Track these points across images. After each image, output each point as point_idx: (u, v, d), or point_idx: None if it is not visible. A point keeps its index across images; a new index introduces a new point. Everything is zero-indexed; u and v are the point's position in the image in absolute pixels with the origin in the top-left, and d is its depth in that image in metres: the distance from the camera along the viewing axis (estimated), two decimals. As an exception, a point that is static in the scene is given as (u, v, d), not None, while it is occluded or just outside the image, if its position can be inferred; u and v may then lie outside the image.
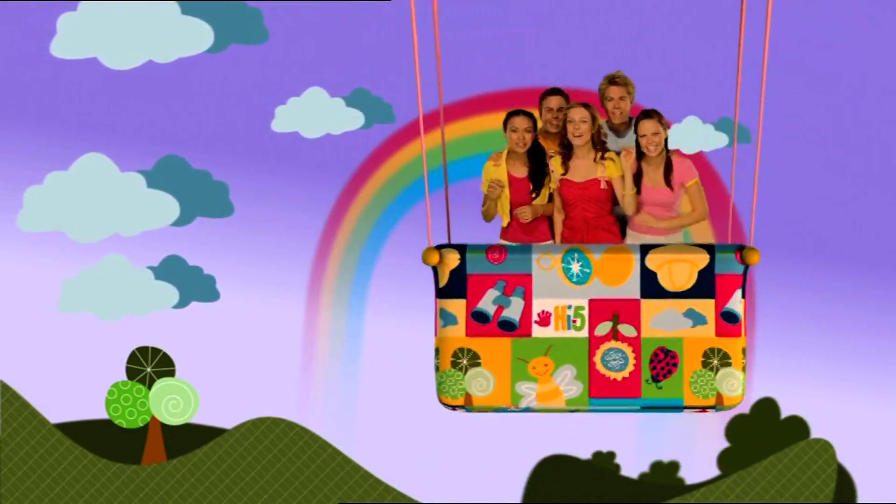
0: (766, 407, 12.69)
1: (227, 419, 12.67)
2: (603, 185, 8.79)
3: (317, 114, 12.20)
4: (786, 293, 12.65)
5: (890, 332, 12.59)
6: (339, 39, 12.33)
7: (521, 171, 9.02)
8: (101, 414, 12.51)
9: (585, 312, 8.08)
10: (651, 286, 8.10)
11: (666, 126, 8.87)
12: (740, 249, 8.13)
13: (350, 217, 12.51)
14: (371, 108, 12.38)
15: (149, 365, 12.46)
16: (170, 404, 12.43)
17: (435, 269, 8.19)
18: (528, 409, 8.14)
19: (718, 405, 8.05)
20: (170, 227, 12.07)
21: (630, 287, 8.10)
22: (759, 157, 8.71)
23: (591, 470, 12.68)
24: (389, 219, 12.66)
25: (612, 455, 12.74)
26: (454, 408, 8.16)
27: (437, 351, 8.20)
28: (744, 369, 8.08)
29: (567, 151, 8.86)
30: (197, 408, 12.49)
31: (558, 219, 8.92)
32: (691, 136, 12.31)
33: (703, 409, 8.14)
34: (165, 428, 12.52)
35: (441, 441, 12.55)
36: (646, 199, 8.81)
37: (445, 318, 8.17)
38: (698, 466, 12.71)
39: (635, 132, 8.91)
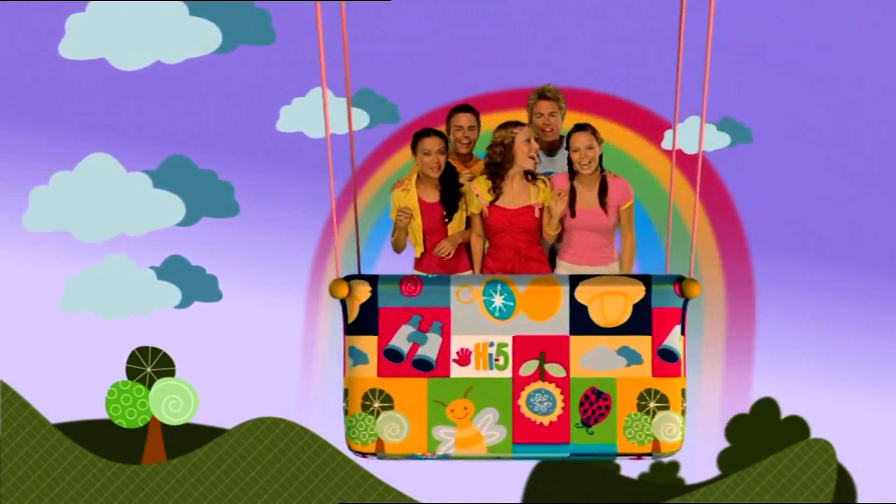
0: (766, 407, 12.69)
1: (227, 419, 12.67)
2: (536, 213, 8.14)
3: (321, 114, 12.16)
4: (786, 293, 12.65)
5: (890, 332, 12.59)
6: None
7: (433, 196, 8.37)
8: (101, 414, 12.51)
9: (509, 350, 7.40)
10: (581, 321, 7.40)
11: (601, 141, 8.24)
12: (679, 281, 7.50)
13: (350, 217, 12.52)
14: (376, 108, 12.36)
15: (149, 365, 12.46)
16: (170, 404, 12.43)
17: (343, 302, 7.56)
18: (445, 457, 7.49)
19: (655, 452, 7.38)
20: (174, 228, 12.08)
21: (558, 322, 7.41)
22: (700, 170, 8.07)
23: (591, 470, 12.68)
24: (389, 218, 12.68)
25: (612, 455, 12.74)
26: (364, 455, 7.52)
27: (345, 392, 7.58)
28: (683, 413, 7.40)
29: (496, 174, 8.16)
30: (197, 408, 12.49)
31: (478, 245, 8.27)
32: (693, 136, 12.28)
33: (639, 456, 7.45)
34: (165, 428, 12.52)
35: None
36: (579, 223, 8.15)
37: (355, 356, 7.51)
38: (698, 466, 12.71)
39: (567, 149, 8.25)
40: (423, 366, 7.44)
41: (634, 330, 7.40)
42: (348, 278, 7.55)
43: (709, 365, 12.69)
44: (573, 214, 8.10)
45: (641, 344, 7.40)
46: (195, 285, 12.35)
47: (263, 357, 12.65)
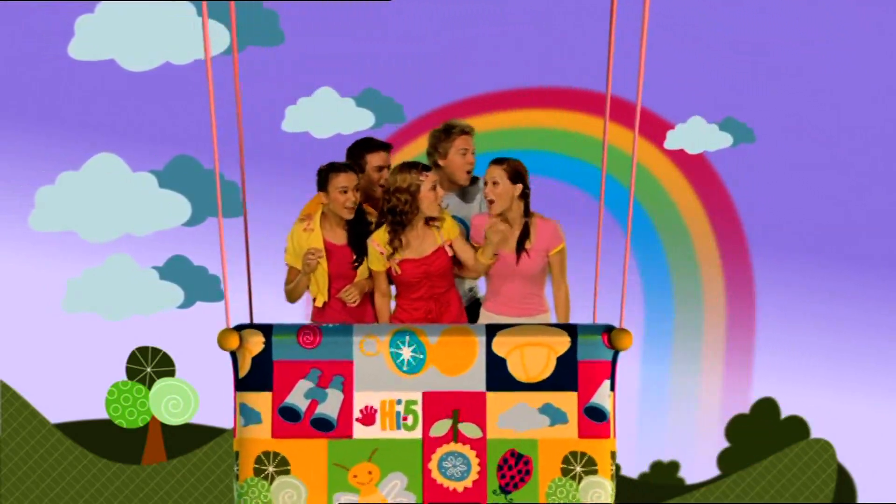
0: (766, 407, 12.68)
1: (227, 419, 12.65)
2: (449, 251, 7.38)
3: (327, 114, 12.16)
4: (786, 293, 12.65)
5: (890, 332, 12.59)
6: (349, 39, 12.32)
7: (340, 237, 7.50)
8: (101, 414, 12.49)
9: (418, 408, 6.69)
10: (499, 376, 6.68)
11: (520, 179, 7.41)
12: (608, 331, 6.76)
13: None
14: (381, 108, 12.34)
15: (149, 365, 12.44)
16: (170, 404, 12.41)
17: (234, 354, 6.81)
18: None
19: None
20: (179, 228, 12.07)
21: (473, 377, 6.69)
22: (634, 186, 7.10)
23: (591, 470, 12.67)
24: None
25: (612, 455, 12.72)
26: None
27: (236, 455, 6.78)
28: (613, 478, 6.69)
29: (399, 223, 7.32)
30: (197, 408, 12.47)
31: (385, 306, 7.45)
32: (695, 136, 12.31)
33: None
34: (165, 428, 12.50)
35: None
36: (503, 269, 7.43)
37: (247, 415, 6.75)
38: (698, 466, 12.70)
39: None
40: (322, 425, 6.73)
41: (558, 385, 6.70)
42: (239, 328, 6.83)
43: (709, 365, 12.68)
44: (519, 249, 7.42)
45: (566, 401, 6.69)
46: (198, 285, 12.34)
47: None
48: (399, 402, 6.72)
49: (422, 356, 6.74)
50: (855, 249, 12.62)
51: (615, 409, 6.74)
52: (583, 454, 6.68)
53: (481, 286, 7.79)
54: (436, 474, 6.72)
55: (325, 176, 7.48)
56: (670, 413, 12.64)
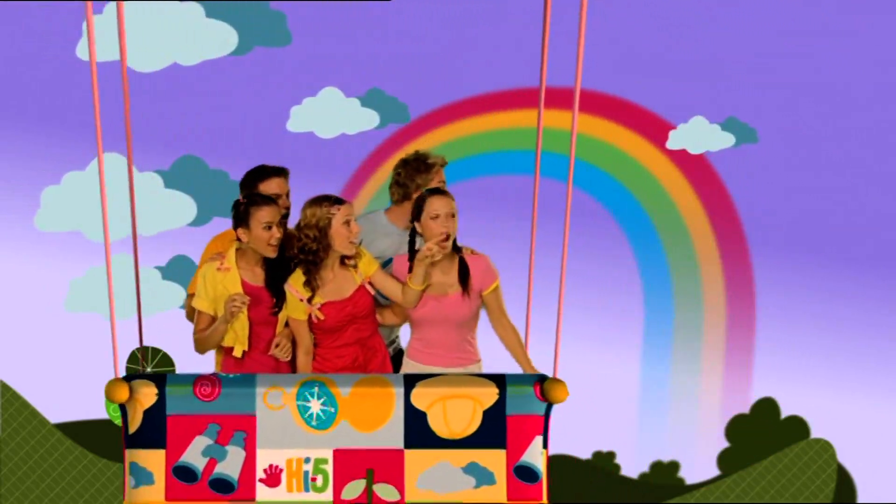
0: (766, 407, 12.69)
1: (226, 419, 12.65)
2: (371, 291, 6.66)
3: (332, 114, 12.15)
4: (786, 293, 12.65)
5: (890, 332, 12.60)
6: (354, 40, 12.33)
7: (258, 278, 6.65)
8: (101, 414, 12.47)
9: (329, 467, 5.99)
10: (419, 432, 6.00)
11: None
12: (540, 381, 6.08)
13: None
14: (386, 108, 12.32)
15: (149, 365, 12.43)
16: (170, 404, 12.41)
17: (123, 407, 6.13)
18: None
19: None
20: (184, 228, 12.08)
21: (390, 433, 6.00)
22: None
23: (591, 470, 12.66)
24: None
25: (612, 455, 12.73)
26: None
27: None
28: None
29: (312, 262, 6.56)
30: (197, 407, 12.47)
31: (308, 365, 6.64)
32: (697, 136, 12.31)
33: None
34: (165, 428, 12.50)
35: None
36: (430, 314, 6.63)
37: (137, 475, 6.06)
38: (698, 466, 12.71)
39: (413, 221, 6.64)
40: (221, 487, 6.03)
41: (485, 443, 6.01)
42: (129, 377, 6.17)
43: (709, 365, 12.69)
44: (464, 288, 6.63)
45: (494, 460, 6.01)
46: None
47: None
48: (307, 460, 6.03)
49: (332, 409, 6.04)
50: (855, 249, 12.63)
51: (549, 470, 6.10)
52: None
53: (403, 337, 7.12)
54: None
55: (245, 210, 6.60)
56: (670, 413, 12.65)
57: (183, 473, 6.05)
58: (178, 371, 12.43)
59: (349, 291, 6.61)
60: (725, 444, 12.70)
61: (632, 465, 12.69)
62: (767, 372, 12.63)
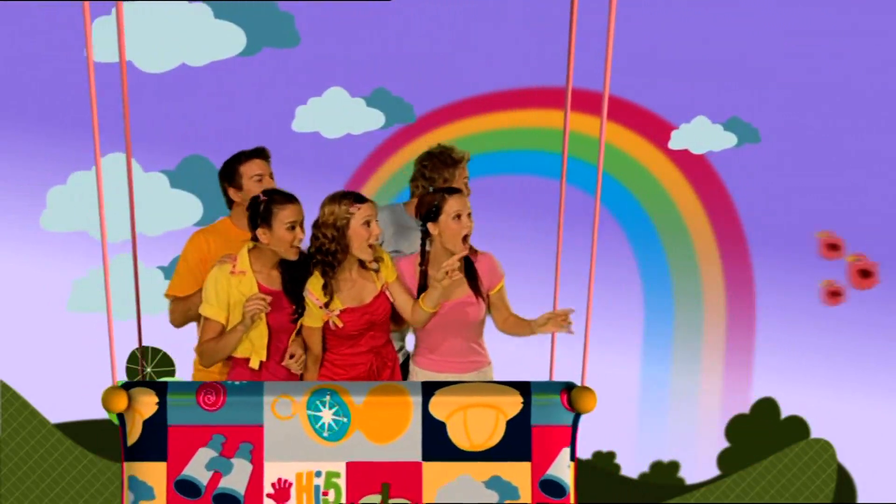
0: (766, 407, 12.69)
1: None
2: (390, 296, 6.25)
3: (337, 114, 12.14)
4: (786, 293, 12.65)
5: (890, 332, 12.61)
6: (359, 39, 12.32)
7: (275, 281, 6.16)
8: (101, 414, 12.46)
9: (341, 481, 5.63)
10: (438, 443, 5.63)
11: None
12: (568, 389, 5.77)
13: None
14: (391, 108, 12.31)
15: (149, 365, 12.42)
16: (170, 404, 12.39)
17: (121, 417, 5.86)
18: None
19: None
20: (189, 228, 12.06)
21: (407, 444, 5.64)
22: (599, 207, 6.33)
23: (591, 470, 12.67)
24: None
25: (612, 455, 12.72)
26: None
27: None
28: None
29: (329, 264, 6.09)
30: (196, 408, 12.45)
31: (314, 370, 6.22)
32: (699, 136, 12.30)
33: None
34: (165, 428, 12.49)
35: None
36: (440, 319, 6.27)
37: (137, 489, 5.76)
38: (698, 466, 12.71)
39: (423, 222, 6.26)
40: (226, 502, 5.71)
41: (509, 455, 5.65)
42: (128, 385, 5.96)
43: (709, 365, 12.69)
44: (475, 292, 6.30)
45: (518, 473, 5.64)
46: (200, 285, 12.37)
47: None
48: (318, 474, 5.66)
49: (345, 419, 5.66)
50: (855, 250, 12.63)
51: (576, 483, 5.76)
52: None
53: (409, 343, 6.88)
54: None
55: (266, 209, 6.12)
56: (670, 413, 12.64)
57: (185, 488, 5.75)
58: (177, 371, 12.45)
59: (369, 297, 6.25)
60: (725, 444, 12.70)
61: (632, 465, 12.68)
62: (767, 372, 12.63)
